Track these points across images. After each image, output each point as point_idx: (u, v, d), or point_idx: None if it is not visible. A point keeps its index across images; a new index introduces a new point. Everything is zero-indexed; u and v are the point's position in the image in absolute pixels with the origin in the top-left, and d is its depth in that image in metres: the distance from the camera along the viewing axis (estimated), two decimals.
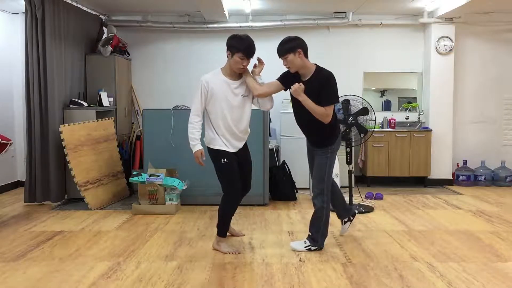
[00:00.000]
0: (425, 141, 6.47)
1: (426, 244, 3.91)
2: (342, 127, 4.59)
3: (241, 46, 3.50)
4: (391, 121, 6.67)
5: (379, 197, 5.72)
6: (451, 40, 6.55)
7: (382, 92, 7.14)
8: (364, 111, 4.78)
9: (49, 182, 5.25)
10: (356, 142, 5.05)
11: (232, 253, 3.64)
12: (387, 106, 7.05)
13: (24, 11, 5.16)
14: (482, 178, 6.64)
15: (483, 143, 6.88)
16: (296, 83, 3.48)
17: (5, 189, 6.15)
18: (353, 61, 6.82)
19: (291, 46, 3.46)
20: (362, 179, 6.69)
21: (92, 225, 4.54)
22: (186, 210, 5.11)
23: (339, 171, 5.63)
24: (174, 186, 4.94)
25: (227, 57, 3.60)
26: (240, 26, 6.53)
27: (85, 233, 4.27)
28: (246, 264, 3.43)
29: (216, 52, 6.43)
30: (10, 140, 4.87)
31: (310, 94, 3.46)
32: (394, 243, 3.94)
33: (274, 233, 4.26)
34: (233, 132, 3.63)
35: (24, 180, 5.35)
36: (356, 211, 4.28)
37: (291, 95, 3.59)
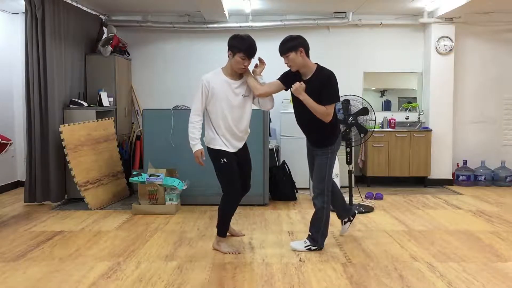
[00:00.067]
0: (425, 141, 6.47)
1: (426, 244, 3.91)
2: (342, 127, 4.59)
3: (242, 46, 3.50)
4: (391, 121, 6.67)
5: (379, 197, 5.73)
6: (451, 40, 6.55)
7: (382, 92, 7.15)
8: (364, 111, 4.78)
9: (49, 182, 5.25)
10: (356, 142, 5.05)
11: (232, 253, 3.64)
12: (387, 106, 7.05)
13: (24, 11, 5.16)
14: (482, 178, 6.64)
15: (483, 143, 6.88)
16: (297, 82, 3.48)
17: (5, 189, 6.15)
18: (353, 61, 6.82)
19: (293, 45, 3.47)
20: (362, 179, 6.69)
21: (92, 225, 4.54)
22: (186, 210, 5.11)
23: (339, 171, 5.63)
24: (174, 186, 4.94)
25: (228, 57, 3.60)
26: (240, 26, 6.53)
27: (85, 233, 4.27)
28: (246, 264, 3.43)
29: (216, 52, 6.43)
30: (10, 140, 4.87)
31: (311, 93, 3.46)
32: (394, 243, 3.94)
33: (274, 233, 4.26)
34: (233, 132, 3.63)
35: (24, 180, 5.35)
36: (356, 211, 4.28)
37: (292, 94, 3.59)
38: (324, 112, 3.48)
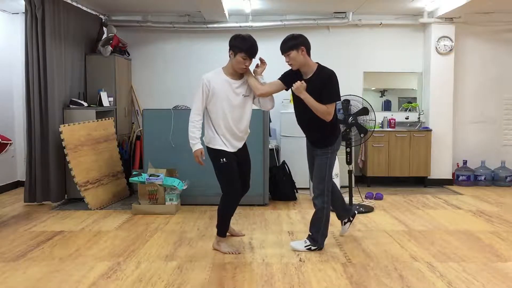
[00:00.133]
0: (425, 141, 6.47)
1: (426, 244, 3.91)
2: (342, 127, 4.59)
3: (244, 46, 3.51)
4: (391, 121, 6.67)
5: (379, 197, 5.73)
6: (451, 40, 6.55)
7: (382, 92, 7.14)
8: (364, 111, 4.78)
9: (49, 182, 5.25)
10: (356, 142, 5.05)
11: (232, 253, 3.64)
12: (387, 106, 7.05)
13: (24, 11, 5.16)
14: (482, 178, 6.64)
15: (483, 143, 6.88)
16: (298, 81, 3.49)
17: (5, 189, 6.15)
18: (353, 61, 6.82)
19: (294, 43, 3.48)
20: (362, 179, 6.69)
21: (92, 225, 4.54)
22: (186, 210, 5.11)
23: (339, 171, 5.63)
24: (174, 186, 4.94)
25: (229, 56, 3.60)
26: (240, 26, 6.53)
27: (85, 233, 4.27)
28: (246, 264, 3.43)
29: (216, 52, 6.44)
30: (10, 140, 4.87)
31: (311, 92, 3.47)
32: (394, 243, 3.94)
33: (274, 233, 4.26)
34: (233, 132, 3.63)
35: (24, 180, 5.35)
36: (356, 212, 4.28)
37: (293, 93, 3.60)
38: (325, 111, 3.48)
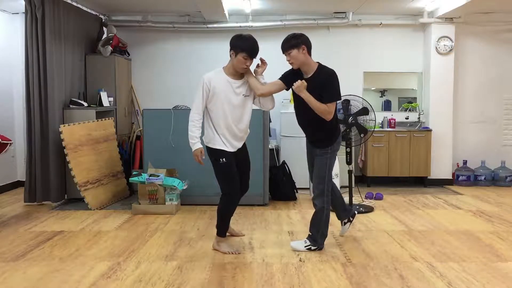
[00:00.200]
0: (425, 141, 6.47)
1: (426, 244, 3.91)
2: (342, 127, 4.59)
3: (245, 46, 3.51)
4: (391, 121, 6.67)
5: (379, 197, 5.73)
6: (451, 40, 6.55)
7: (382, 92, 7.14)
8: (364, 111, 4.78)
9: (49, 182, 5.25)
10: (356, 142, 5.05)
11: (232, 253, 3.64)
12: (387, 106, 7.05)
13: (24, 11, 5.16)
14: (482, 178, 6.64)
15: (483, 143, 6.88)
16: (299, 80, 3.49)
17: (5, 189, 6.15)
18: (353, 61, 6.82)
19: (295, 42, 3.49)
20: (362, 179, 6.69)
21: (92, 225, 4.54)
22: (186, 210, 5.11)
23: (339, 171, 5.63)
24: (174, 186, 4.94)
25: (230, 56, 3.60)
26: (240, 26, 6.53)
27: (85, 233, 4.27)
28: (246, 264, 3.43)
29: (216, 52, 6.44)
30: (10, 140, 4.86)
31: (312, 91, 3.47)
32: (394, 243, 3.94)
33: (274, 233, 4.26)
34: (233, 132, 3.63)
35: (24, 180, 5.35)
36: (356, 212, 4.28)
37: (293, 93, 3.60)
38: (325, 110, 3.48)
